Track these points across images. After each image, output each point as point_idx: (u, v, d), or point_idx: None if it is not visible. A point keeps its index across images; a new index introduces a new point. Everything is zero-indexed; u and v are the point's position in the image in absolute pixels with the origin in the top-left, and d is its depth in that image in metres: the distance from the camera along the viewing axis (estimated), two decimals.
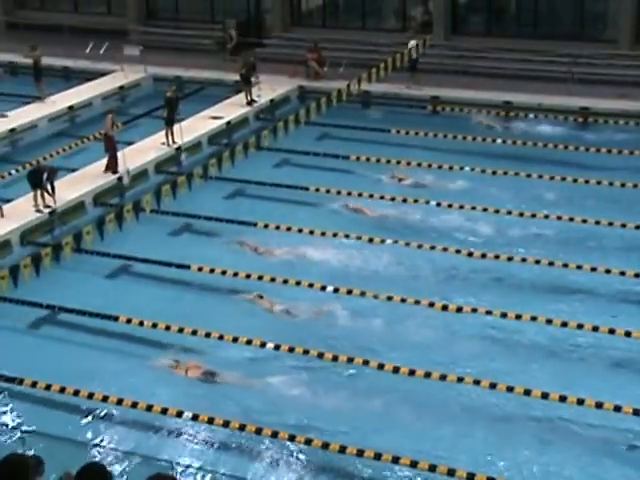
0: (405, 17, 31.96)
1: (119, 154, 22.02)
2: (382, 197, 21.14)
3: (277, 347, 15.32)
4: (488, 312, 16.15)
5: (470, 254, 18.34)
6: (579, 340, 15.57)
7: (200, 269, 18.03)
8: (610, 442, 13.26)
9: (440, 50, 30.01)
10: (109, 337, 16.21)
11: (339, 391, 14.37)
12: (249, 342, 15.50)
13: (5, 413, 14.31)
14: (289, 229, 19.69)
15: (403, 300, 16.63)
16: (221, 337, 15.63)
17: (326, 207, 21.02)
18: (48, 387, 14.51)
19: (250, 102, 26.90)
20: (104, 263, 18.57)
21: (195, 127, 25.03)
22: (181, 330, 15.86)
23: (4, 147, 25.62)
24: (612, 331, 15.52)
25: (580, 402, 13.67)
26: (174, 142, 23.75)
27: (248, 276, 17.71)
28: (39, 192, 20.03)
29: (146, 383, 14.77)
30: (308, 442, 13.10)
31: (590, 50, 28.37)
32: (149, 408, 13.91)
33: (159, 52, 31.01)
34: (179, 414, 13.78)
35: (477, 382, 14.21)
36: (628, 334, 15.43)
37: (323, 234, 19.35)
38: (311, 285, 17.28)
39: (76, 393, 14.30)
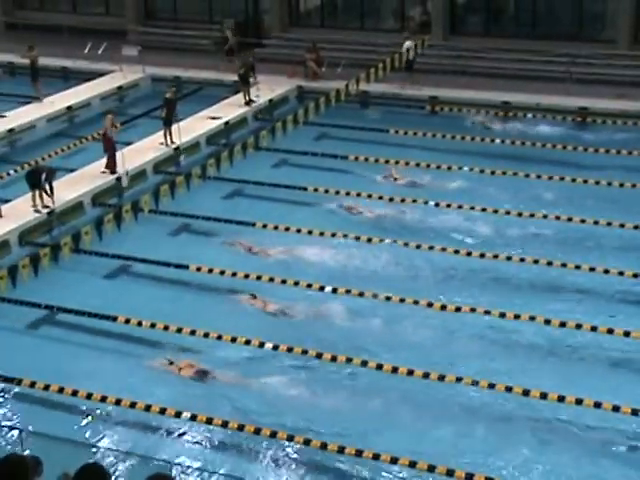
0: (404, 17, 31.97)
1: (118, 154, 22.00)
2: (380, 197, 21.14)
3: (275, 347, 15.33)
4: (487, 312, 16.16)
5: (469, 254, 18.35)
6: (578, 340, 15.57)
7: (198, 269, 18.03)
8: (609, 442, 13.26)
9: (439, 50, 30.01)
10: (108, 337, 16.20)
11: (338, 391, 14.37)
12: (247, 342, 15.49)
13: (4, 413, 14.32)
14: (287, 229, 19.69)
15: (402, 300, 16.63)
16: (219, 337, 15.64)
17: (324, 207, 21.02)
18: (47, 387, 14.51)
19: (248, 102, 26.91)
20: (103, 263, 18.56)
21: (193, 127, 25.03)
22: (179, 330, 15.87)
23: (2, 147, 25.62)
24: (611, 331, 15.53)
25: (579, 402, 13.68)
26: (172, 142, 23.74)
27: (246, 276, 17.71)
28: (38, 192, 20.02)
29: (145, 383, 14.77)
30: (307, 442, 13.10)
31: (588, 50, 28.37)
32: (147, 408, 13.92)
33: (157, 52, 31.02)
34: (177, 414, 13.78)
35: (476, 382, 14.21)
36: (627, 334, 15.44)
37: (321, 234, 19.35)
38: (309, 285, 17.29)
39: (74, 393, 14.31)
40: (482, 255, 18.25)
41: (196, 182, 21.46)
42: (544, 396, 13.85)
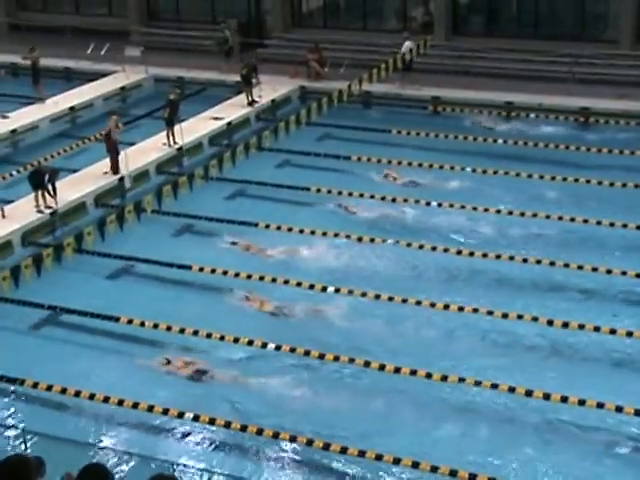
0: (406, 18, 31.96)
1: (121, 155, 22.01)
2: (383, 198, 21.14)
3: (278, 347, 15.32)
4: (489, 312, 16.15)
5: (471, 254, 18.34)
6: (580, 340, 15.56)
7: (201, 269, 18.04)
8: (612, 442, 13.25)
9: (441, 50, 30.01)
10: (110, 338, 16.21)
11: (339, 391, 14.37)
12: (250, 342, 15.48)
13: (6, 414, 14.32)
14: (290, 229, 19.69)
15: (404, 300, 16.63)
16: (222, 337, 15.64)
17: (327, 207, 21.03)
18: (49, 388, 14.52)
19: (251, 103, 26.92)
20: (105, 264, 18.58)
21: (196, 128, 25.04)
22: (182, 330, 15.87)
23: (5, 148, 25.64)
24: (613, 331, 15.51)
25: (582, 402, 13.66)
26: (175, 143, 23.76)
27: (249, 276, 17.72)
28: (40, 193, 20.05)
29: (146, 383, 14.78)
30: (309, 443, 13.10)
31: (591, 50, 28.37)
32: (150, 409, 13.92)
33: (160, 53, 31.05)
34: (180, 415, 13.79)
35: (478, 383, 14.21)
36: (630, 334, 15.43)
37: (324, 234, 19.36)
38: (312, 286, 17.28)
39: (77, 394, 14.32)
40: (485, 255, 18.25)
41: (199, 182, 21.47)
42: (547, 396, 13.84)
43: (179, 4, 34.61)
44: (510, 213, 20.06)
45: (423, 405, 14.01)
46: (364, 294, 16.91)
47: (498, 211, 20.16)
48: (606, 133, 24.91)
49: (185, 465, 12.91)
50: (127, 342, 16.05)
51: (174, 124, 23.58)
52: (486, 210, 20.22)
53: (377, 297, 16.80)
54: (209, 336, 15.70)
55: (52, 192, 20.15)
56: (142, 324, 16.14)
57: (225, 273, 17.88)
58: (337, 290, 17.07)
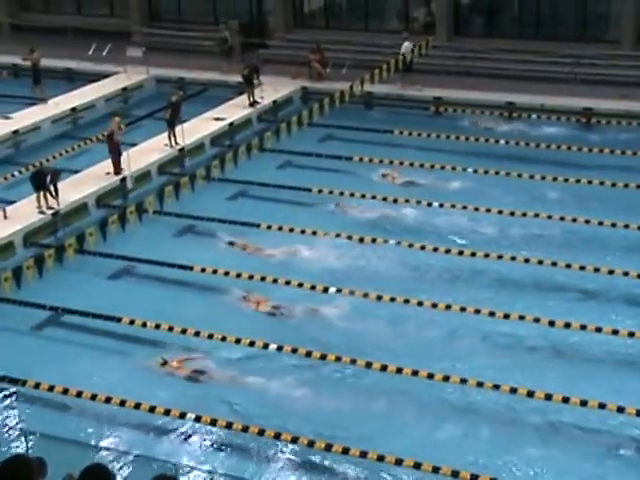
0: (408, 18, 31.96)
1: (123, 156, 22.02)
2: (385, 198, 21.13)
3: (280, 348, 15.33)
4: (491, 313, 16.14)
5: (473, 254, 18.33)
6: (582, 341, 15.55)
7: (203, 270, 18.05)
8: (614, 443, 13.24)
9: (443, 51, 30.00)
10: (112, 338, 16.22)
11: (341, 392, 14.37)
12: (252, 343, 15.48)
13: (8, 414, 14.33)
14: (291, 230, 19.69)
15: (406, 301, 16.63)
16: (224, 338, 15.64)
17: (329, 208, 21.02)
18: (51, 388, 14.53)
19: (253, 103, 26.92)
20: (107, 264, 18.59)
21: (198, 128, 25.05)
22: (184, 331, 15.88)
23: (7, 149, 25.65)
24: (615, 332, 15.50)
25: (584, 403, 13.65)
26: (177, 143, 23.76)
27: (251, 277, 17.72)
28: (42, 194, 20.05)
29: (148, 384, 14.78)
30: (311, 444, 13.09)
31: (593, 51, 28.36)
32: (152, 409, 13.92)
33: (162, 54, 31.05)
34: (182, 415, 13.79)
35: (480, 383, 14.20)
36: (631, 334, 15.43)
37: (326, 235, 19.36)
38: (313, 287, 17.28)
39: (79, 394, 14.32)
40: (486, 256, 18.24)
41: (200, 183, 21.48)
42: (549, 397, 13.83)
43: (181, 5, 34.62)
44: (512, 214, 20.05)
45: (425, 406, 14.01)
46: (366, 295, 16.91)
47: (500, 211, 20.15)
48: (608, 133, 24.91)
49: (186, 466, 12.91)
50: (129, 342, 16.05)
51: (175, 125, 23.59)
52: (488, 211, 20.22)
53: (379, 298, 16.80)
54: (210, 337, 15.71)
55: (54, 193, 20.16)
56: (144, 324, 16.14)
57: (226, 274, 17.89)
58: (339, 290, 17.07)
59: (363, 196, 21.27)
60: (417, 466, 12.55)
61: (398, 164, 23.09)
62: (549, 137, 24.62)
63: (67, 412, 14.27)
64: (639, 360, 15.09)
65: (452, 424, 13.62)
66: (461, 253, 18.46)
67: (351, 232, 19.41)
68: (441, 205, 20.62)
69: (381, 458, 12.73)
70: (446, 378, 14.38)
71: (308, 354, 15.16)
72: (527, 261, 18.03)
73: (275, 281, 17.51)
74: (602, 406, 13.56)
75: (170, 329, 15.97)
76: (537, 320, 15.85)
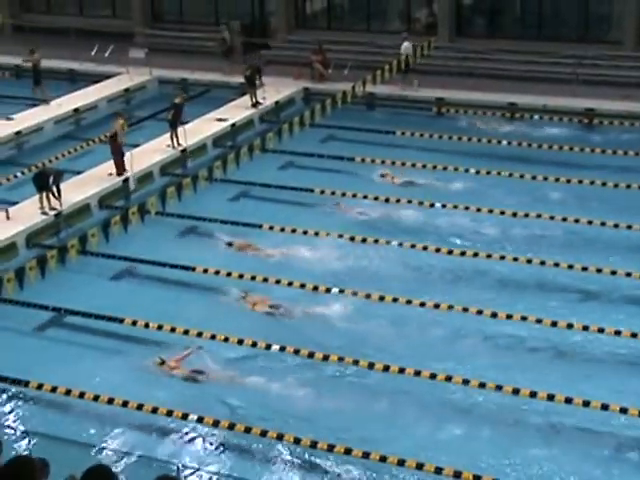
0: (410, 19, 31.97)
1: (126, 156, 22.04)
2: (387, 199, 21.13)
3: (282, 348, 15.34)
4: (494, 314, 16.14)
5: (475, 255, 18.33)
6: (584, 342, 15.55)
7: (205, 271, 18.06)
8: (617, 444, 13.23)
9: (445, 52, 30.01)
10: (114, 339, 16.23)
11: (343, 392, 14.37)
12: (254, 344, 15.49)
13: (11, 415, 14.34)
14: (294, 231, 19.70)
15: (409, 301, 16.63)
16: (226, 339, 15.66)
17: (330, 209, 21.02)
18: (54, 389, 14.53)
19: (255, 104, 26.93)
20: (109, 265, 18.60)
21: (200, 129, 25.06)
22: (186, 332, 15.88)
23: (10, 150, 25.66)
24: (618, 332, 15.50)
25: (586, 404, 13.65)
26: (179, 144, 23.78)
27: (252, 277, 17.73)
28: (45, 195, 20.06)
29: (150, 384, 14.79)
30: (313, 445, 13.09)
31: (595, 51, 28.36)
32: (154, 410, 13.93)
33: (164, 55, 31.06)
34: (184, 416, 13.80)
35: (482, 384, 14.20)
36: (634, 335, 15.41)
37: (328, 235, 19.37)
38: (315, 287, 17.28)
39: (82, 395, 14.33)
40: (489, 256, 18.25)
41: (203, 184, 21.50)
42: (551, 398, 13.83)
43: (183, 6, 34.63)
44: (514, 214, 20.04)
45: (427, 406, 14.02)
46: (368, 295, 16.91)
47: (502, 212, 20.15)
48: (610, 134, 24.90)
49: (189, 466, 12.92)
50: (131, 343, 16.06)
51: (177, 126, 23.60)
52: (490, 211, 20.23)
53: (381, 298, 16.81)
54: (213, 337, 15.71)
55: (56, 194, 20.17)
56: (146, 325, 16.16)
57: (228, 274, 17.90)
58: (341, 291, 17.07)
59: (365, 197, 21.28)
60: (419, 467, 12.55)
61: (400, 165, 23.10)
62: (551, 138, 24.62)
63: (69, 413, 14.28)
64: None
65: (454, 425, 13.62)
66: (463, 254, 18.45)
67: (353, 233, 19.42)
68: (443, 206, 20.62)
69: (383, 459, 12.73)
70: (448, 378, 14.39)
71: (310, 355, 15.16)
72: (529, 262, 18.03)
73: (277, 282, 17.52)
74: (605, 407, 13.55)
75: (172, 330, 15.97)
76: (539, 321, 15.85)
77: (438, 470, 12.46)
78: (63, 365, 15.40)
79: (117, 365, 15.34)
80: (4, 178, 22.72)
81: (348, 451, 12.89)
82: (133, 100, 29.68)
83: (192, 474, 12.80)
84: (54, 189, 20.13)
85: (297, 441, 13.19)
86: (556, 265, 17.73)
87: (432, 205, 20.71)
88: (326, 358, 15.07)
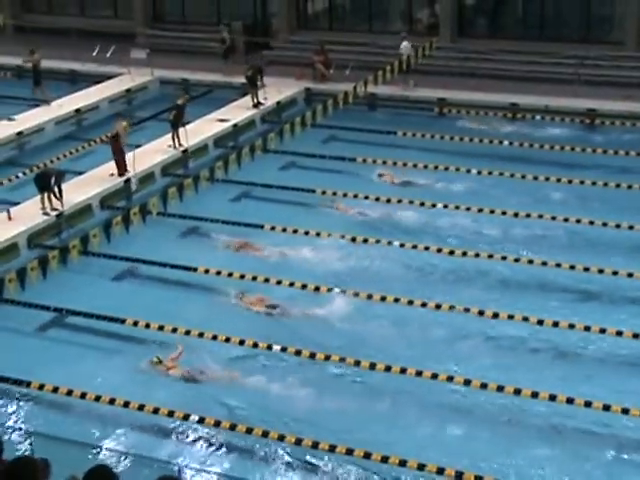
0: (411, 19, 31.98)
1: (128, 157, 22.04)
2: (389, 200, 21.13)
3: (284, 349, 15.34)
4: (495, 314, 16.14)
5: (477, 255, 18.33)
6: (586, 342, 15.54)
7: (207, 271, 18.06)
8: (618, 445, 13.22)
9: (446, 52, 30.01)
10: (116, 339, 16.23)
11: (345, 393, 14.36)
12: (255, 345, 15.50)
13: (13, 415, 14.34)
14: (295, 231, 19.70)
15: (410, 302, 16.63)
16: (227, 339, 15.66)
17: (332, 209, 21.01)
18: (55, 389, 14.54)
19: (257, 104, 26.94)
20: (111, 265, 18.61)
21: (202, 130, 25.07)
22: (188, 332, 15.89)
23: (11, 150, 25.67)
24: (619, 333, 15.49)
25: (588, 404, 13.64)
26: (180, 145, 23.78)
27: (254, 278, 17.73)
28: (46, 195, 20.07)
29: (152, 385, 14.78)
30: (315, 445, 13.09)
31: (596, 52, 28.35)
32: (156, 411, 13.93)
33: (166, 55, 31.08)
34: (185, 417, 13.80)
35: (484, 385, 14.19)
36: (636, 336, 15.41)
37: (329, 236, 19.37)
38: (317, 288, 17.29)
39: (83, 395, 14.33)
40: (490, 257, 18.25)
41: (204, 184, 21.51)
42: (553, 398, 13.82)
43: (185, 6, 34.65)
44: (516, 215, 20.04)
45: (428, 407, 14.01)
46: (370, 296, 16.92)
47: (503, 212, 20.15)
48: (612, 134, 24.90)
49: (190, 467, 12.91)
50: (132, 344, 16.06)
51: (179, 127, 23.60)
52: (492, 212, 20.23)
53: (383, 299, 16.81)
54: (215, 338, 15.71)
55: (58, 194, 20.18)
56: (147, 326, 16.16)
57: (230, 275, 17.90)
58: (343, 292, 17.07)
59: (367, 197, 21.28)
60: (421, 467, 12.54)
61: (402, 165, 23.10)
62: (553, 138, 24.62)
63: (71, 413, 14.28)
64: None
65: (456, 425, 13.61)
66: (465, 254, 18.45)
67: (355, 233, 19.42)
68: (445, 206, 20.62)
69: (385, 459, 12.72)
70: (450, 379, 14.39)
71: (311, 355, 15.16)
72: (531, 262, 18.03)
73: (279, 282, 17.53)
74: (606, 407, 13.54)
75: (174, 330, 15.97)
76: (541, 321, 15.84)
77: (440, 471, 12.46)
78: (64, 365, 15.40)
79: (118, 365, 15.34)
80: (6, 179, 22.74)
81: (349, 452, 12.89)
82: (134, 101, 29.68)
83: (193, 475, 12.79)
84: (55, 190, 20.13)
85: (298, 442, 13.17)
86: (558, 265, 17.73)
87: (434, 205, 20.71)
88: (327, 358, 15.07)
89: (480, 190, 21.43)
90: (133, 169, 22.02)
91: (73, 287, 17.93)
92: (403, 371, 14.58)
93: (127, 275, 18.59)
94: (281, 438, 13.25)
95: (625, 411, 13.51)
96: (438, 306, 16.48)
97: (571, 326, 15.67)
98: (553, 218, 19.75)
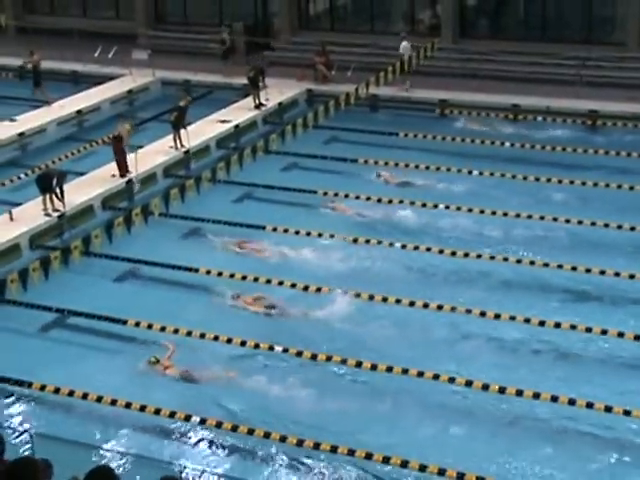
0: (413, 20, 31.98)
1: (130, 158, 22.06)
2: (390, 201, 21.13)
3: (285, 350, 15.34)
4: (497, 315, 16.14)
5: (479, 256, 18.33)
6: (588, 343, 15.53)
7: (208, 272, 18.06)
8: (620, 446, 13.21)
9: (448, 53, 30.02)
10: (118, 340, 16.24)
11: (346, 393, 14.36)
12: (257, 345, 15.51)
13: (14, 416, 14.36)
14: (297, 232, 19.70)
15: (412, 303, 16.62)
16: (229, 340, 15.67)
17: (334, 210, 21.02)
18: (57, 390, 14.54)
19: (258, 106, 26.94)
20: (113, 266, 18.62)
21: (203, 131, 25.08)
22: (189, 333, 15.89)
23: (13, 151, 25.68)
24: (621, 334, 15.48)
25: (589, 405, 13.64)
26: (182, 146, 23.79)
27: (256, 279, 17.73)
28: (48, 196, 20.08)
29: (153, 385, 14.79)
30: (316, 446, 13.09)
31: (598, 53, 28.34)
32: (157, 412, 13.93)
33: (167, 56, 31.07)
34: (187, 418, 13.80)
35: (486, 386, 14.19)
36: (637, 337, 15.40)
37: (331, 237, 19.38)
38: (319, 289, 17.29)
39: (85, 396, 14.34)
40: (492, 258, 18.26)
41: (206, 185, 21.52)
42: (555, 399, 13.82)
43: (186, 7, 34.68)
44: (517, 216, 20.03)
45: (430, 407, 14.01)
46: (371, 297, 16.92)
47: (505, 214, 20.14)
48: (613, 136, 24.90)
49: (192, 468, 12.91)
50: (134, 344, 16.06)
51: (180, 128, 23.60)
52: (493, 213, 20.23)
53: (384, 299, 16.81)
54: (216, 338, 15.72)
55: (60, 195, 20.19)
56: (149, 326, 16.16)
57: (232, 276, 17.91)
58: (344, 292, 17.06)
59: (368, 198, 21.28)
60: (423, 468, 12.54)
61: (404, 166, 23.11)
62: (554, 139, 24.62)
63: (73, 413, 14.28)
64: None
65: (457, 426, 13.61)
66: (466, 255, 18.45)
67: (356, 234, 19.43)
68: (446, 207, 20.62)
69: (386, 460, 12.72)
70: (451, 380, 14.39)
71: (313, 356, 15.16)
72: (532, 263, 18.02)
73: (280, 283, 17.53)
74: (608, 409, 13.54)
75: (175, 331, 15.98)
76: (542, 322, 15.84)
77: (441, 472, 12.46)
78: (66, 366, 15.41)
79: (120, 366, 15.34)
80: (7, 180, 22.77)
81: (351, 452, 12.89)
82: (136, 102, 29.68)
83: (195, 476, 12.79)
84: (57, 190, 20.14)
85: (300, 443, 13.17)
86: (559, 267, 17.73)
87: (435, 206, 20.71)
88: (329, 359, 15.07)
89: (482, 191, 21.43)
90: (135, 170, 22.03)
91: (75, 288, 17.94)
92: (404, 372, 14.58)
93: (129, 276, 18.60)
94: (282, 439, 13.25)
95: (627, 412, 13.50)
96: (440, 307, 16.48)
97: (573, 327, 15.67)
98: (555, 219, 19.75)
